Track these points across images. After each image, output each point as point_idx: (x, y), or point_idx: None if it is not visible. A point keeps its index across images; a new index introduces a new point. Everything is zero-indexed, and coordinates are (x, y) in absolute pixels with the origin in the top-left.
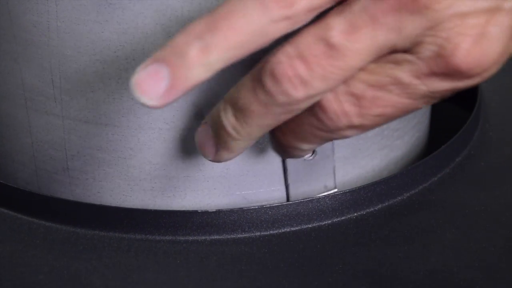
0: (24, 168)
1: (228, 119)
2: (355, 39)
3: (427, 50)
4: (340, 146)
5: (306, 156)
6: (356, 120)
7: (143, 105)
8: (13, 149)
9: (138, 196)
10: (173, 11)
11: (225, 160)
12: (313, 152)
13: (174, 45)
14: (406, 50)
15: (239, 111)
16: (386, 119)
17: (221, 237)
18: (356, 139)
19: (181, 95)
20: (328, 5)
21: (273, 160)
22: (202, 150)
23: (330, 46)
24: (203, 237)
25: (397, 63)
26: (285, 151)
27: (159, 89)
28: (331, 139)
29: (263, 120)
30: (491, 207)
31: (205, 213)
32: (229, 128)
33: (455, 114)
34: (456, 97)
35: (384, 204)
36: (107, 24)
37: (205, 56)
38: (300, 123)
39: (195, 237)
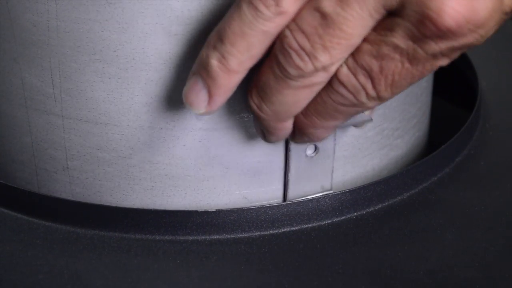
0: (24, 168)
1: (253, 99)
2: (346, 5)
3: (412, 10)
4: (340, 146)
5: (309, 153)
6: (372, 92)
7: (196, 114)
8: (12, 149)
9: (138, 195)
10: (173, 11)
11: (274, 142)
12: (316, 148)
13: (200, 58)
14: (396, 13)
15: (261, 89)
16: (400, 87)
17: (221, 237)
18: (356, 138)
19: (225, 99)
20: None
21: (273, 159)
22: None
23: (324, 16)
24: (203, 237)
25: (391, 29)
26: (308, 135)
27: (202, 99)
28: (355, 112)
29: (283, 96)
30: (491, 207)
31: (205, 213)
32: (255, 107)
33: (455, 114)
34: (456, 97)
35: (384, 204)
36: (107, 24)
37: (224, 64)
38: (322, 102)
39: (195, 237)
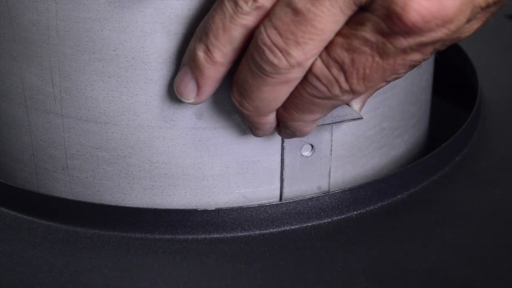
0: (23, 167)
1: (234, 96)
2: (317, 1)
3: (379, 5)
4: (340, 145)
5: (305, 153)
6: (345, 85)
7: (187, 103)
8: (12, 148)
9: (137, 194)
10: (173, 9)
11: (262, 136)
12: (312, 148)
13: (188, 50)
14: (366, 8)
15: (241, 86)
16: (372, 81)
17: (220, 235)
18: (356, 137)
19: (212, 89)
20: None
21: (273, 158)
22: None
23: (296, 12)
24: (202, 236)
25: (361, 23)
26: (290, 128)
27: (191, 89)
28: (331, 106)
29: (261, 93)
30: (491, 206)
31: (204, 212)
32: (237, 104)
33: (455, 113)
34: (456, 97)
35: (384, 203)
36: (107, 23)
37: (209, 56)
38: (299, 95)
39: (194, 236)
